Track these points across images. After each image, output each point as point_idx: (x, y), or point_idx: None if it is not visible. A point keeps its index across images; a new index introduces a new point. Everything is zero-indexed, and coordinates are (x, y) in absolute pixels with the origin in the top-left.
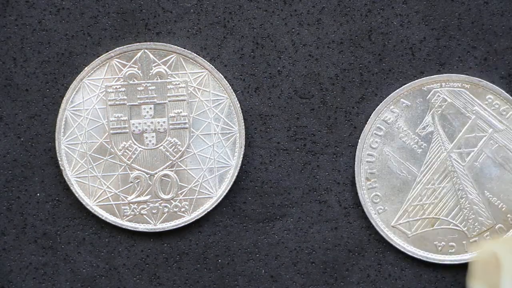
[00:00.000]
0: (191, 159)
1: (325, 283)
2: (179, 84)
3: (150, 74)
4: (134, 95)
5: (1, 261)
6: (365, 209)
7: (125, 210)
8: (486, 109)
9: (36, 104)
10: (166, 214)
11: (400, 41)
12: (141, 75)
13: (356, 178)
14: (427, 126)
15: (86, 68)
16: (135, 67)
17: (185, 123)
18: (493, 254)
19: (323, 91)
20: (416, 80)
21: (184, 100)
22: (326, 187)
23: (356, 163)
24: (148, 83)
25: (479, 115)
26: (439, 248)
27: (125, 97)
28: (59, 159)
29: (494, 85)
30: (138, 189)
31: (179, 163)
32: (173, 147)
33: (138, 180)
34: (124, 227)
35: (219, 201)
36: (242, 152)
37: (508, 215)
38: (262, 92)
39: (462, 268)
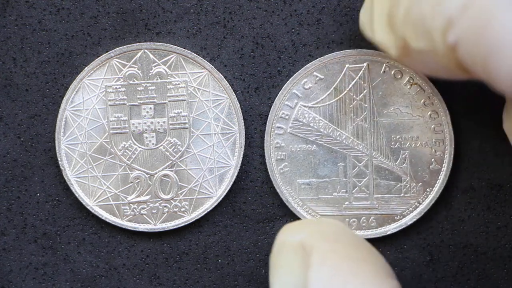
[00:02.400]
0: (191, 159)
1: None
2: (179, 84)
3: (150, 74)
4: (134, 95)
5: (1, 261)
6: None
7: (125, 210)
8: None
9: (36, 104)
10: (166, 214)
11: None
12: (141, 75)
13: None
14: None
15: (86, 68)
16: (135, 67)
17: (185, 123)
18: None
19: None
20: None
21: (184, 100)
22: None
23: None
24: (148, 83)
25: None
26: None
27: (125, 97)
28: (59, 159)
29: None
30: (138, 189)
31: (179, 163)
32: (173, 147)
33: (138, 180)
34: (124, 227)
35: (219, 201)
36: (242, 152)
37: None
38: (262, 92)
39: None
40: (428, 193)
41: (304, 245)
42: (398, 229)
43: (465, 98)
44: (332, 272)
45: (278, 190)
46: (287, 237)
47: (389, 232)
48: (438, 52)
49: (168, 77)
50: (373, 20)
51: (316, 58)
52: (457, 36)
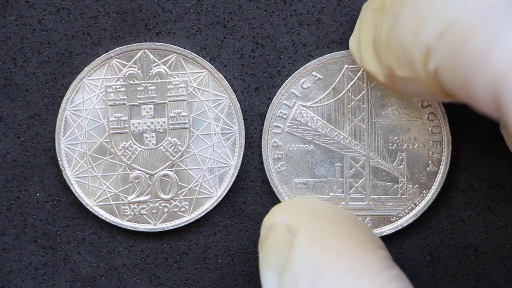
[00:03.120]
0: (191, 159)
1: None
2: (179, 84)
3: (150, 74)
4: (134, 95)
5: (1, 261)
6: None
7: (125, 210)
8: None
9: (36, 104)
10: (166, 214)
11: None
12: (141, 75)
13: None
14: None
15: (86, 68)
16: (135, 67)
17: (185, 123)
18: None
19: None
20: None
21: (184, 100)
22: None
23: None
24: (148, 83)
25: None
26: None
27: (125, 97)
28: (59, 159)
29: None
30: (138, 189)
31: (179, 163)
32: (173, 147)
33: (138, 180)
34: (124, 227)
35: (219, 201)
36: (242, 152)
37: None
38: (262, 92)
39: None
40: (424, 195)
41: (289, 227)
42: (393, 230)
43: None
44: (319, 251)
45: (274, 189)
46: (272, 220)
47: (384, 233)
48: (421, 79)
49: (168, 77)
50: (360, 49)
51: (316, 58)
52: (437, 63)
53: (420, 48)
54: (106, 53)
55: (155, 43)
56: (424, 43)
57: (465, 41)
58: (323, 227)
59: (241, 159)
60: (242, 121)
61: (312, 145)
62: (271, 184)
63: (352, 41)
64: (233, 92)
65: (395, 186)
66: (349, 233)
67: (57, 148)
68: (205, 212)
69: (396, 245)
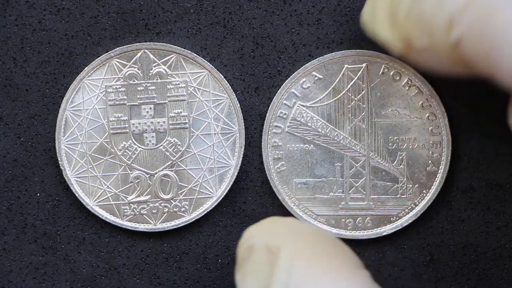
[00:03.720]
0: (191, 159)
1: None
2: (179, 84)
3: (150, 74)
4: (134, 95)
5: (1, 261)
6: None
7: (125, 210)
8: None
9: (36, 104)
10: (166, 214)
11: None
12: (141, 75)
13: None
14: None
15: (86, 68)
16: (135, 67)
17: (185, 123)
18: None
19: None
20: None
21: (184, 100)
22: None
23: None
24: (148, 83)
25: None
26: None
27: (125, 97)
28: (59, 159)
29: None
30: (138, 189)
31: (179, 163)
32: (173, 147)
33: (138, 180)
34: (124, 227)
35: (219, 201)
36: (242, 152)
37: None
38: (262, 92)
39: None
40: (424, 194)
41: (270, 247)
42: (393, 230)
43: (463, 99)
44: (302, 271)
45: (274, 189)
46: (251, 241)
47: (384, 233)
48: (441, 49)
49: (168, 77)
50: (376, 18)
51: (316, 58)
52: (460, 34)
53: (443, 19)
54: (106, 53)
55: (155, 43)
56: (447, 14)
57: (490, 13)
58: (305, 246)
59: (241, 159)
60: (242, 121)
61: (312, 145)
62: (271, 184)
63: (365, 13)
64: (233, 92)
65: (395, 186)
66: (331, 252)
67: (57, 148)
68: (205, 212)
69: (396, 245)
